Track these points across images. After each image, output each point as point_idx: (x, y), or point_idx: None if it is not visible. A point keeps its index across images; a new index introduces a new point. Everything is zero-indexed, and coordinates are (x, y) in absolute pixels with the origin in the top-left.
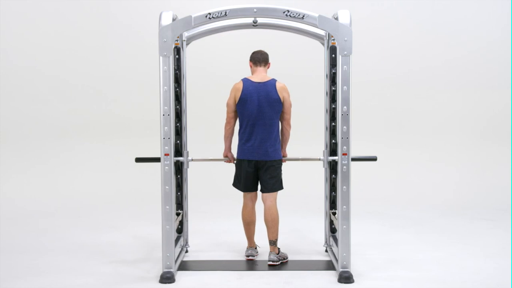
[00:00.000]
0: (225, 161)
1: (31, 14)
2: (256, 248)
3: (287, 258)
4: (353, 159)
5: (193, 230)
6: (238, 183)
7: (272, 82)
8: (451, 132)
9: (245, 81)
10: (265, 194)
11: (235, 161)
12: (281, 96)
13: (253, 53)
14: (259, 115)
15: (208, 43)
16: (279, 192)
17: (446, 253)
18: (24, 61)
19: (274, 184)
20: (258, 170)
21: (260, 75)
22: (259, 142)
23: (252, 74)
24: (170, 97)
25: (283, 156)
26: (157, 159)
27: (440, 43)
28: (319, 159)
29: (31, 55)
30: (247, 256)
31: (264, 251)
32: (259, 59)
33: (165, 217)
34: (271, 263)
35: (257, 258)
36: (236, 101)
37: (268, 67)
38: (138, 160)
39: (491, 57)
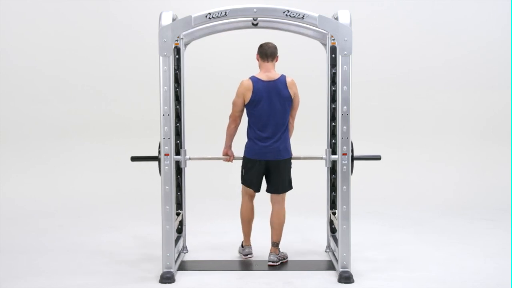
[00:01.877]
0: (224, 160)
1: (31, 14)
2: (251, 246)
3: (287, 257)
4: (356, 158)
5: (193, 231)
6: (249, 181)
7: (282, 80)
8: (451, 132)
9: (255, 80)
10: (274, 196)
11: (233, 159)
12: (291, 93)
13: (261, 46)
14: (270, 114)
15: (208, 43)
16: None
17: (446, 253)
18: (24, 61)
19: (284, 185)
20: (269, 170)
21: (269, 72)
22: (270, 141)
23: (260, 69)
24: (170, 97)
25: None
26: (153, 158)
27: (440, 43)
28: (322, 158)
29: (31, 55)
30: (246, 255)
31: (264, 251)
32: (267, 54)
33: (165, 217)
34: (271, 263)
35: (257, 258)
36: (246, 102)
37: (276, 61)
38: (134, 159)
39: (491, 57)
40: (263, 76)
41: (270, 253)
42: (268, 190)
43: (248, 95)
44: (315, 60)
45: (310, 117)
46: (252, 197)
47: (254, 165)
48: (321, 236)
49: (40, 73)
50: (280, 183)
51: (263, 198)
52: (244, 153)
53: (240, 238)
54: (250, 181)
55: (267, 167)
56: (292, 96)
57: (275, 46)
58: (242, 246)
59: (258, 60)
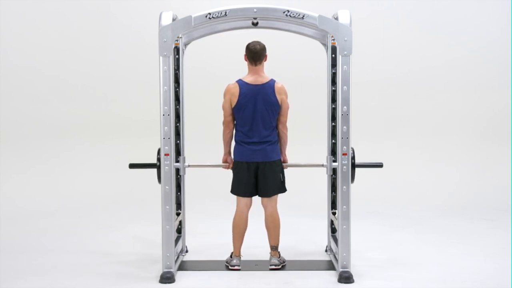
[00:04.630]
0: (224, 167)
1: (31, 14)
2: (240, 258)
3: (285, 262)
4: (358, 166)
5: (193, 231)
6: (238, 188)
7: (271, 84)
8: (451, 132)
9: (241, 84)
10: (265, 199)
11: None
12: (279, 98)
13: (248, 48)
14: (257, 118)
15: (208, 43)
16: (281, 194)
17: (446, 253)
18: (24, 61)
19: (275, 187)
20: (257, 173)
21: (257, 75)
22: (257, 143)
23: (248, 71)
24: (170, 97)
25: (284, 162)
26: (152, 165)
27: (440, 43)
28: (322, 165)
29: (31, 55)
30: (233, 266)
31: (263, 251)
32: (254, 58)
33: (165, 217)
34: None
35: (257, 258)
36: (233, 106)
37: (265, 60)
38: (132, 166)
39: (491, 57)
40: (251, 80)
41: (271, 257)
42: (259, 194)
43: (234, 100)
44: (315, 60)
45: (310, 117)
46: (247, 207)
47: (243, 168)
48: (321, 236)
49: (40, 73)
50: (271, 185)
51: (257, 199)
52: (233, 157)
53: None
54: (238, 185)
55: (256, 171)
56: (280, 103)
57: (263, 47)
58: (230, 256)
59: (246, 60)
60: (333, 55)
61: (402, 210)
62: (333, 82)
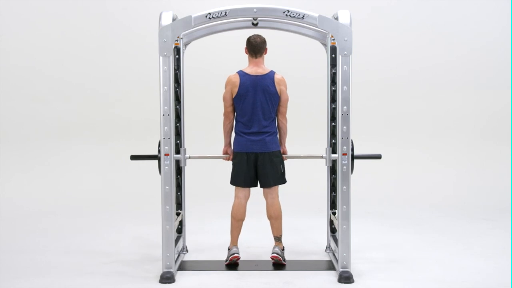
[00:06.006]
0: (224, 159)
1: (31, 15)
2: (237, 246)
3: (285, 262)
4: (357, 157)
5: (193, 230)
6: (237, 178)
7: (271, 75)
8: (451, 132)
9: (242, 75)
10: (266, 190)
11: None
12: (278, 89)
13: (248, 41)
14: (257, 108)
15: (208, 43)
16: (281, 188)
17: (446, 253)
18: (24, 61)
19: (274, 178)
20: (257, 164)
21: (257, 67)
22: (257, 134)
23: (249, 63)
24: (170, 97)
25: (283, 153)
26: (153, 157)
27: (441, 43)
28: (322, 157)
29: (31, 55)
30: (232, 254)
31: (262, 252)
32: (255, 51)
33: (165, 217)
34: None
35: (256, 258)
36: (233, 95)
37: (265, 53)
38: (134, 157)
39: (491, 57)
40: (251, 71)
41: (274, 246)
42: (260, 185)
43: (235, 90)
44: (315, 60)
45: (310, 117)
46: (246, 197)
47: (242, 158)
48: (321, 236)
49: (40, 74)
50: (270, 176)
51: (258, 198)
52: (233, 148)
53: (241, 238)
54: (237, 176)
55: (255, 162)
56: (279, 93)
57: (263, 40)
58: (228, 249)
59: (246, 53)
60: (333, 55)
61: (402, 210)
62: (333, 82)
